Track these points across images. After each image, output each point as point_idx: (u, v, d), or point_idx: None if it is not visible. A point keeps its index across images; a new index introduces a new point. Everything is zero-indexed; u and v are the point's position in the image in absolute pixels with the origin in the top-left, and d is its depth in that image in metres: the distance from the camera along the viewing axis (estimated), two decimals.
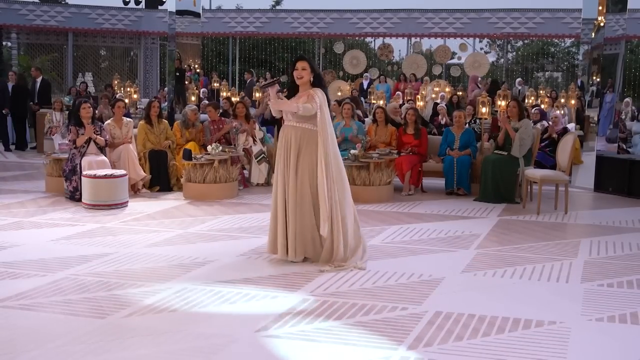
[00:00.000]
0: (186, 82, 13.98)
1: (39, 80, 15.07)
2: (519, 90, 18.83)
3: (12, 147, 13.89)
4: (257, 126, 10.22)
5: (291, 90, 5.62)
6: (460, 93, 17.88)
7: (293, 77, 5.54)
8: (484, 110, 10.03)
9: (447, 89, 17.96)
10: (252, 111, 12.13)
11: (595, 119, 11.84)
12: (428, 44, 23.72)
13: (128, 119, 9.23)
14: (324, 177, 5.33)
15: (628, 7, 10.79)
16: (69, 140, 8.46)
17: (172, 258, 5.68)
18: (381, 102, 13.73)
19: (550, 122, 11.47)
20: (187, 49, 15.75)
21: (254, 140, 9.89)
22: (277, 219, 5.50)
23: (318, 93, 5.44)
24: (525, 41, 25.86)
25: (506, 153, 8.64)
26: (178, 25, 13.34)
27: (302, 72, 5.47)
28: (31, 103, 14.49)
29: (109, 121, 9.03)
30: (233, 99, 13.32)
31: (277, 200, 5.49)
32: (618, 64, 12.43)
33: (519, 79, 21.04)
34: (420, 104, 14.84)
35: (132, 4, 22.68)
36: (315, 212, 5.42)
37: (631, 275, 5.38)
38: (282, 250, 5.50)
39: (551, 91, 17.98)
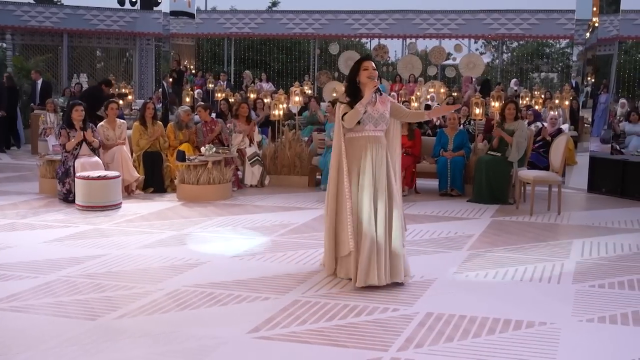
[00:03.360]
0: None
1: (39, 82, 15.12)
2: (515, 90, 18.87)
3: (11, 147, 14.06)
4: (256, 129, 10.23)
5: (353, 95, 5.07)
6: (455, 94, 17.91)
7: (354, 81, 5.10)
8: (477, 111, 10.04)
9: (442, 90, 17.99)
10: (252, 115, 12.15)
11: (590, 119, 11.87)
12: (423, 44, 23.75)
13: (121, 121, 9.22)
14: (394, 184, 5.11)
15: (621, 8, 10.81)
16: (60, 144, 8.43)
17: (165, 259, 5.68)
18: None
19: (545, 123, 11.50)
20: (182, 50, 15.75)
21: (251, 142, 9.90)
22: (367, 240, 4.88)
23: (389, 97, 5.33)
24: (520, 42, 25.91)
25: (500, 154, 8.67)
26: (173, 26, 13.34)
27: (375, 72, 5.07)
28: (32, 104, 14.67)
29: (102, 123, 9.02)
30: (231, 100, 13.35)
31: (364, 218, 4.92)
32: (612, 64, 12.47)
33: (514, 80, 21.08)
34: (414, 105, 14.86)
35: (127, 5, 22.66)
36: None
37: (622, 276, 5.40)
38: (381, 276, 4.90)
39: (545, 92, 18.02)
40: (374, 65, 5.10)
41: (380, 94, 5.10)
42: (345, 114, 5.04)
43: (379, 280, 4.87)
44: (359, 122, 5.02)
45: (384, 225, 4.95)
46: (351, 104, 5.03)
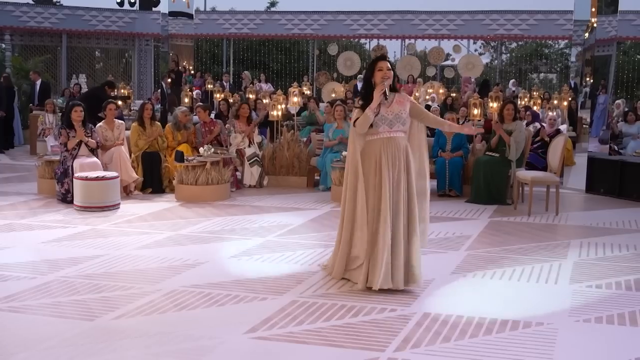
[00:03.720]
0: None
1: (38, 82, 15.15)
2: (513, 91, 18.89)
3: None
4: (256, 130, 10.24)
5: (366, 97, 4.94)
6: (454, 95, 17.93)
7: (369, 82, 4.98)
8: (476, 111, 10.06)
9: (441, 91, 18.00)
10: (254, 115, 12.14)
11: (588, 120, 11.86)
12: (422, 45, 23.77)
13: (120, 121, 9.22)
14: (413, 187, 4.97)
15: (620, 9, 10.82)
16: (60, 143, 8.45)
17: (163, 260, 5.68)
18: None
19: (544, 124, 11.51)
20: (181, 50, 15.75)
21: (250, 143, 9.90)
22: (385, 243, 4.77)
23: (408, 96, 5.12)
24: (519, 43, 25.94)
25: (498, 155, 8.68)
26: (172, 27, 13.36)
27: (389, 73, 4.91)
28: (31, 105, 14.72)
29: (100, 123, 9.02)
30: (230, 101, 13.35)
31: (383, 222, 4.79)
32: (611, 65, 12.48)
33: (512, 80, 21.07)
34: None
35: (126, 6, 22.67)
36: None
37: (620, 277, 5.41)
38: (397, 280, 4.81)
39: (544, 92, 18.06)
40: (389, 65, 4.94)
41: (386, 97, 4.92)
42: (357, 119, 4.91)
43: (396, 284, 4.79)
44: (371, 125, 4.88)
45: (402, 229, 4.86)
46: (364, 108, 4.89)
